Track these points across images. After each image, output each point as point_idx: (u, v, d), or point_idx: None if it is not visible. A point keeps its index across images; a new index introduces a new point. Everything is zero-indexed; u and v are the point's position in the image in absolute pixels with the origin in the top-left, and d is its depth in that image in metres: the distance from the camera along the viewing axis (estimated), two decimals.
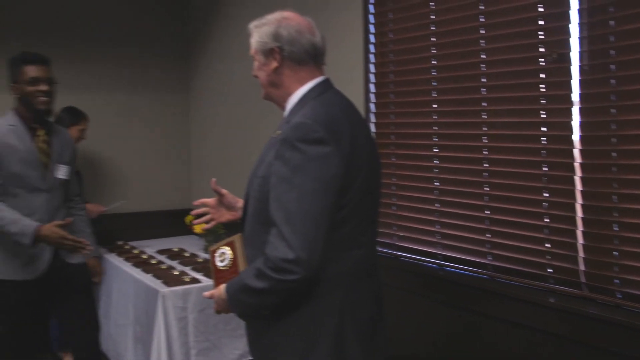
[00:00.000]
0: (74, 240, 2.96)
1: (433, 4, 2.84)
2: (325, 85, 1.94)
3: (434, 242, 2.89)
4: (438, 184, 2.85)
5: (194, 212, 2.35)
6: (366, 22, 3.19)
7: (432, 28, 2.86)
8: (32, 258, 3.04)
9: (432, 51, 2.86)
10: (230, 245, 2.04)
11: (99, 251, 3.43)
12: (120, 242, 4.55)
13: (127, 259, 4.02)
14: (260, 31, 1.93)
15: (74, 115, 4.12)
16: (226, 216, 2.28)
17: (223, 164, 4.70)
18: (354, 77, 3.23)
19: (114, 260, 4.04)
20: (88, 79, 4.66)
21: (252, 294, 1.81)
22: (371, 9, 3.17)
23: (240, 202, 2.22)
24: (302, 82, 1.92)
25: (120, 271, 3.87)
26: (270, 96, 2.00)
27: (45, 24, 4.52)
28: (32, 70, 3.04)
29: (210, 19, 4.79)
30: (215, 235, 3.92)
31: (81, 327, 3.32)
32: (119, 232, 4.64)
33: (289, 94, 1.94)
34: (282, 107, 1.98)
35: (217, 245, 2.09)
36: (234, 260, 2.02)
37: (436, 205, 2.87)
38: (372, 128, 3.18)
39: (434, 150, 2.87)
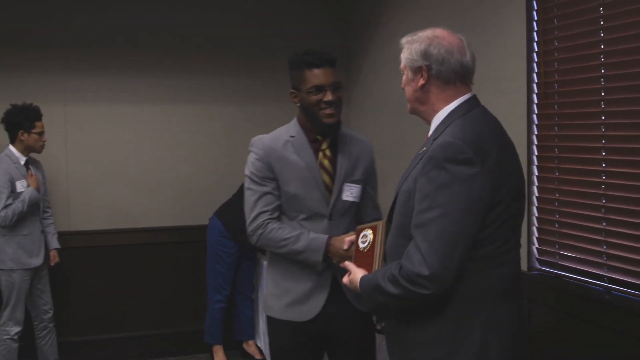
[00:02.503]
0: None
1: (602, 9, 2.66)
2: (472, 103, 1.94)
3: (600, 263, 2.70)
4: (605, 201, 2.66)
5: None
6: (530, 30, 3.05)
7: (601, 35, 2.68)
8: (304, 297, 2.52)
9: (601, 59, 2.68)
10: (373, 229, 2.11)
11: None
12: None
13: None
14: (410, 48, 1.97)
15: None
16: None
17: (383, 174, 4.72)
18: (516, 87, 3.10)
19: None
20: (259, 89, 4.99)
21: (384, 295, 1.88)
22: (535, 16, 3.03)
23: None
24: (449, 101, 1.93)
25: None
26: (415, 111, 2.03)
27: (225, 38, 4.94)
28: (315, 77, 2.46)
29: (369, 32, 4.84)
30: None
31: None
32: None
33: (434, 111, 1.96)
34: (427, 122, 2.01)
35: (364, 226, 2.19)
36: (372, 245, 2.09)
37: (603, 223, 2.68)
38: (534, 140, 3.04)
39: (602, 165, 2.68)
